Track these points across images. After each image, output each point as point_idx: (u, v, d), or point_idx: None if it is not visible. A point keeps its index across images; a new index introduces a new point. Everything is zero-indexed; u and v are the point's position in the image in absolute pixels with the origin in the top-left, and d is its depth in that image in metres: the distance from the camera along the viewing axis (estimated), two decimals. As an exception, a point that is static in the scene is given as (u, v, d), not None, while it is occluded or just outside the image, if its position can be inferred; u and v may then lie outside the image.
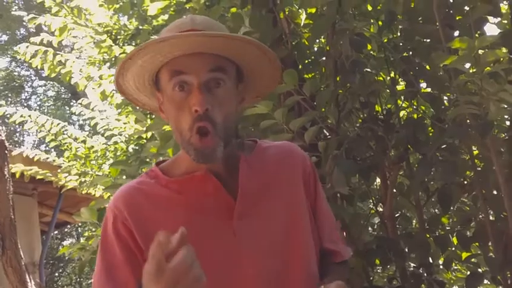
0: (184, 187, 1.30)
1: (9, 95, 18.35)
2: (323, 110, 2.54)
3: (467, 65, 2.08)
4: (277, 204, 1.34)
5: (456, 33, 2.35)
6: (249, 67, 1.33)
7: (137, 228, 1.26)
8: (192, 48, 1.21)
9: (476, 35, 2.17)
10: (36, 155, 5.47)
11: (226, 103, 1.24)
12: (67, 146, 4.87)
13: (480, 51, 1.97)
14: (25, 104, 18.42)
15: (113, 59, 4.03)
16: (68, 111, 16.69)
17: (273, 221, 1.32)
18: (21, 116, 5.07)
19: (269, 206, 1.33)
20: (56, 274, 15.63)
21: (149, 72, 1.29)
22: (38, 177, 5.70)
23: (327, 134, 2.59)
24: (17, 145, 15.30)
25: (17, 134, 18.47)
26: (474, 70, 2.05)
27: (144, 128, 2.96)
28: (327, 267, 1.42)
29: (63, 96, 19.05)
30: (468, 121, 2.27)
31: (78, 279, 15.42)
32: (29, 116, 5.15)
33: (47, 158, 5.72)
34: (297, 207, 1.37)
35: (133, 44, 3.92)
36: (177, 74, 1.22)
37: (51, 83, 18.81)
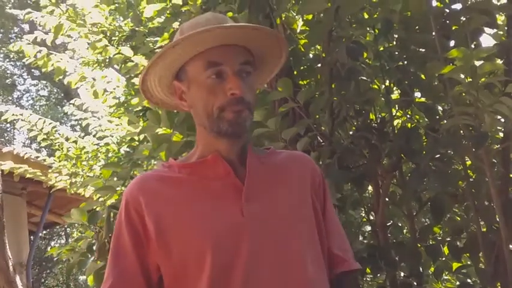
0: (196, 170, 1.39)
1: (1, 93, 18.25)
2: (317, 117, 2.53)
3: (463, 76, 2.08)
4: (285, 196, 1.40)
5: (452, 43, 2.35)
6: (262, 57, 1.44)
7: (148, 208, 1.34)
8: (227, 39, 1.33)
9: (472, 46, 2.17)
10: (26, 153, 5.44)
11: (253, 89, 1.39)
12: (58, 145, 4.85)
13: (476, 62, 1.98)
14: (17, 103, 18.31)
15: (107, 59, 4.01)
16: (60, 112, 16.64)
17: (279, 206, 1.37)
18: (13, 114, 5.04)
19: (277, 196, 1.39)
20: (43, 275, 15.52)
21: (181, 62, 1.39)
22: (28, 176, 5.67)
23: (321, 141, 2.58)
24: (7, 144, 15.20)
25: (8, 133, 18.38)
26: (470, 81, 2.06)
27: (137, 130, 2.94)
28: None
29: (55, 96, 18.98)
30: (462, 132, 2.27)
31: (66, 280, 15.32)
32: (21, 114, 5.12)
33: (38, 157, 5.69)
34: (304, 203, 1.42)
35: (128, 45, 3.90)
36: (213, 65, 1.33)
37: (44, 82, 18.74)
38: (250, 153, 1.41)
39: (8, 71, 19.18)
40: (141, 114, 3.71)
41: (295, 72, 2.68)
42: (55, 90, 18.74)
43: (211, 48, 1.34)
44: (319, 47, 2.84)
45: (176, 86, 1.43)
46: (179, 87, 1.42)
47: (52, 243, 15.60)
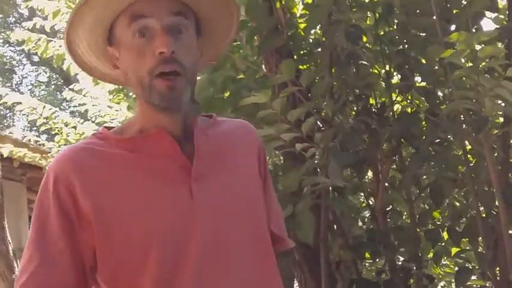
0: (138, 146, 1.20)
1: (1, 78, 18.22)
2: (318, 101, 2.52)
3: (463, 60, 2.07)
4: (233, 173, 1.27)
5: (453, 27, 2.34)
6: (208, 19, 1.26)
7: (84, 192, 1.15)
8: None
9: (473, 30, 2.16)
10: (25, 137, 5.43)
11: (191, 49, 1.19)
12: (58, 130, 4.83)
13: (477, 46, 1.97)
14: (16, 89, 18.30)
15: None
16: (59, 98, 16.61)
17: (229, 188, 1.24)
18: (13, 98, 5.03)
19: (225, 174, 1.25)
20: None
21: (104, 23, 1.20)
22: (27, 160, 5.66)
23: (321, 125, 2.57)
24: (6, 130, 15.20)
25: (7, 119, 18.37)
26: (470, 65, 2.05)
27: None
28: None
29: (54, 82, 18.95)
30: (462, 116, 2.27)
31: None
32: (20, 102, 5.11)
33: (37, 142, 5.68)
34: (252, 179, 1.31)
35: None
36: (137, 19, 1.14)
37: (43, 68, 18.70)
38: (197, 128, 1.24)
39: (7, 56, 19.14)
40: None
41: (295, 57, 2.67)
42: (54, 76, 18.71)
43: (135, 2, 1.14)
44: (319, 32, 2.82)
45: (110, 53, 1.23)
46: (112, 53, 1.22)
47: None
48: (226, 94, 2.70)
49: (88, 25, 1.19)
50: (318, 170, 2.37)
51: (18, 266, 3.96)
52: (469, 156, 2.43)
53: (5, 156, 5.28)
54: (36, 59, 18.30)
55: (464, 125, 2.28)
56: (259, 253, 1.26)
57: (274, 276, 1.29)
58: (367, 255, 2.50)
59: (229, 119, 1.41)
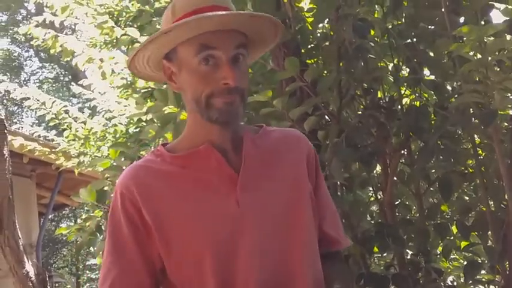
0: (188, 162, 1.34)
1: (9, 75, 18.28)
2: (325, 95, 2.52)
3: (472, 53, 2.06)
4: (280, 182, 1.36)
5: (462, 19, 2.32)
6: (256, 39, 1.37)
7: (145, 205, 1.29)
8: (223, 25, 1.26)
9: (482, 22, 2.15)
10: (35, 132, 5.45)
11: (246, 73, 1.33)
12: (67, 125, 4.85)
13: (486, 39, 1.96)
14: (24, 86, 18.34)
15: (114, 40, 3.99)
16: (67, 94, 16.66)
17: (276, 196, 1.34)
18: (22, 93, 5.04)
19: (272, 182, 1.35)
20: (53, 256, 15.67)
21: (171, 46, 1.32)
22: (36, 154, 5.69)
23: (328, 120, 2.57)
24: (15, 127, 15.25)
25: (16, 115, 18.44)
26: (479, 58, 2.04)
27: (144, 110, 2.94)
28: (330, 265, 1.45)
29: (62, 78, 19.00)
30: (471, 109, 2.25)
31: (75, 262, 15.47)
32: (29, 97, 5.12)
33: (46, 137, 5.70)
34: (300, 187, 1.38)
35: (135, 26, 3.88)
36: (205, 49, 1.26)
37: (51, 64, 18.75)
38: (246, 140, 1.36)
39: (15, 53, 19.19)
40: (148, 95, 3.70)
41: (302, 51, 2.66)
42: (62, 73, 18.76)
43: (204, 32, 1.27)
44: (327, 25, 2.81)
45: (165, 66, 1.36)
46: (168, 67, 1.35)
47: (61, 225, 15.70)
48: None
49: (158, 46, 1.31)
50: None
51: (28, 261, 3.98)
52: (478, 149, 2.42)
53: (15, 149, 5.30)
54: (44, 55, 18.35)
55: (473, 119, 2.27)
56: (307, 258, 1.35)
57: (320, 280, 1.37)
58: (375, 249, 2.50)
59: (280, 128, 1.52)
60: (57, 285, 12.69)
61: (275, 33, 1.39)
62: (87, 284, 15.77)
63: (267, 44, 1.42)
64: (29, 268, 3.98)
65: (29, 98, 5.14)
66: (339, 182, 2.45)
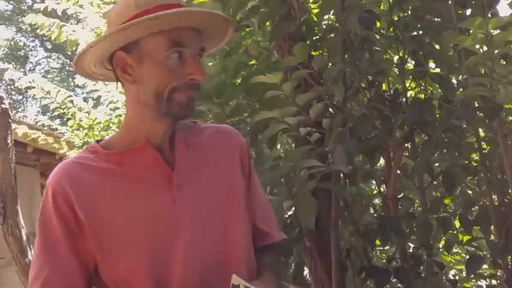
0: (124, 159, 1.33)
1: (14, 65, 18.30)
2: (329, 87, 2.50)
3: (478, 46, 2.05)
4: (215, 178, 1.39)
5: (468, 12, 2.31)
6: (210, 33, 1.39)
7: (78, 202, 1.28)
8: (191, 22, 1.30)
9: (489, 15, 2.13)
10: (39, 121, 5.45)
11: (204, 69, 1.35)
12: (72, 115, 4.86)
13: (492, 32, 1.94)
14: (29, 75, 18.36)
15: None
16: (72, 84, 16.66)
17: (211, 192, 1.37)
18: (28, 81, 5.05)
19: (207, 178, 1.38)
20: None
21: (134, 37, 1.29)
22: (40, 142, 5.69)
23: (332, 111, 2.56)
24: (19, 116, 15.28)
25: (20, 104, 18.47)
26: (485, 51, 2.02)
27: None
28: (261, 257, 1.47)
29: (67, 68, 19.01)
30: (476, 103, 2.24)
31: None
32: (34, 81, 5.12)
33: (50, 126, 5.72)
34: (234, 182, 1.42)
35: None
36: (177, 45, 1.28)
37: (56, 54, 18.76)
38: (178, 137, 1.38)
39: (21, 43, 19.20)
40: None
41: (307, 42, 2.65)
42: (68, 63, 18.77)
43: (176, 28, 1.28)
44: (332, 17, 2.80)
45: (120, 57, 1.31)
46: (124, 58, 1.31)
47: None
48: (238, 80, 2.69)
49: (119, 36, 1.28)
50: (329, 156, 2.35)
51: (31, 250, 3.99)
52: (482, 143, 2.41)
53: (19, 138, 5.31)
54: (49, 45, 18.36)
55: (478, 112, 2.26)
56: (242, 253, 1.39)
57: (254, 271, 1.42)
58: (377, 242, 2.49)
59: (213, 125, 1.56)
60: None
61: (225, 35, 1.42)
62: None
63: (215, 43, 1.45)
64: (32, 257, 3.99)
65: (34, 87, 5.15)
66: (342, 174, 2.43)
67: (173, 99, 1.28)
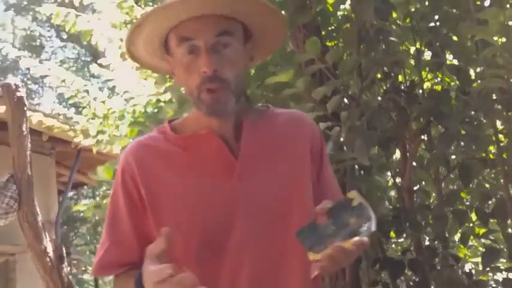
0: (189, 144, 1.34)
1: (30, 54, 18.41)
2: (345, 79, 2.49)
3: (496, 37, 2.02)
4: (280, 168, 1.34)
5: (487, 2, 2.28)
6: (256, 25, 1.33)
7: (143, 181, 1.32)
8: (197, 11, 1.22)
9: (507, 6, 2.11)
10: (54, 110, 5.48)
11: (235, 63, 1.27)
12: (87, 104, 4.87)
13: (510, 23, 1.92)
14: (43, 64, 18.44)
15: (134, 20, 3.99)
16: (88, 74, 16.73)
17: (273, 183, 1.33)
18: (43, 71, 5.08)
19: (271, 169, 1.34)
20: (71, 234, 15.88)
21: (158, 38, 1.31)
22: (55, 131, 5.72)
23: (348, 103, 2.54)
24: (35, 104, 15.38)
25: (36, 93, 18.60)
26: (503, 42, 2.00)
27: (162, 90, 2.94)
28: None
29: (83, 58, 19.09)
30: (494, 95, 2.22)
31: (94, 240, 15.66)
32: (49, 69, 5.15)
33: (65, 115, 5.75)
34: (300, 173, 1.37)
35: (155, 5, 3.87)
36: (185, 40, 1.25)
37: (72, 44, 18.84)
38: (246, 125, 1.34)
39: (36, 33, 19.30)
40: (168, 75, 3.69)
41: (323, 33, 2.63)
42: (83, 53, 18.84)
43: (183, 22, 1.24)
44: (348, 7, 2.78)
45: (168, 60, 1.35)
46: (170, 61, 1.34)
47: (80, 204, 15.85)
48: (252, 70, 2.68)
49: (144, 40, 1.31)
50: (345, 148, 2.34)
51: (46, 237, 4.03)
52: (499, 135, 2.39)
53: (34, 126, 5.35)
54: (64, 35, 18.43)
55: (495, 104, 2.24)
56: (299, 252, 1.28)
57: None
58: (392, 234, 2.48)
59: (286, 111, 1.49)
60: (75, 262, 12.86)
61: (274, 16, 1.33)
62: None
63: (271, 30, 1.36)
64: (47, 244, 4.03)
65: (49, 76, 5.18)
66: (356, 166, 2.42)
67: (202, 100, 1.26)
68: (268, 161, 1.34)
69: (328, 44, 2.66)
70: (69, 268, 4.77)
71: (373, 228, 1.11)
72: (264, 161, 1.34)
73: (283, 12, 2.62)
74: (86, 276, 15.30)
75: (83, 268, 14.56)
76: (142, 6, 4.04)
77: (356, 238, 1.10)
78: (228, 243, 1.28)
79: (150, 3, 4.14)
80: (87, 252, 16.11)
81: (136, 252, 1.32)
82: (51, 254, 4.06)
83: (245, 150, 1.32)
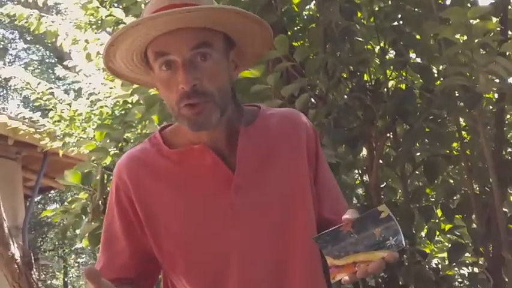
0: (184, 159, 1.30)
1: (-7, 57, 18.06)
2: (312, 78, 2.51)
3: (458, 36, 2.06)
4: (278, 176, 1.31)
5: (448, 1, 2.32)
6: (238, 33, 1.27)
7: (139, 201, 1.29)
8: (169, 26, 1.17)
9: (468, 5, 2.15)
10: (20, 113, 5.40)
11: (216, 74, 1.21)
12: (53, 106, 4.82)
13: (471, 22, 1.96)
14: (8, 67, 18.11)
15: (99, 21, 3.95)
16: (53, 76, 16.49)
17: (272, 193, 1.30)
18: (8, 72, 5.01)
19: (269, 178, 1.30)
20: (39, 239, 15.63)
21: (136, 54, 1.27)
22: (21, 134, 5.65)
23: (315, 102, 2.56)
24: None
25: (0, 97, 18.26)
26: (465, 40, 2.04)
27: (129, 92, 2.91)
28: None
29: (47, 60, 18.80)
30: (456, 92, 2.26)
31: (61, 245, 15.44)
32: (14, 72, 5.08)
33: (31, 118, 5.67)
34: (299, 178, 1.33)
35: (120, 7, 3.83)
36: (160, 55, 1.20)
37: (36, 46, 18.54)
38: (241, 133, 1.29)
39: (0, 35, 18.95)
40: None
41: (288, 33, 2.64)
42: (47, 55, 18.56)
43: (158, 36, 1.19)
44: (313, 7, 2.80)
45: (151, 75, 1.29)
46: (152, 76, 1.28)
47: (48, 208, 15.62)
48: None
49: (123, 56, 1.27)
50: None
51: (13, 243, 3.97)
52: (463, 132, 2.43)
53: (-1, 130, 5.27)
54: (29, 37, 18.14)
55: (458, 102, 2.28)
56: (304, 263, 1.29)
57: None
58: (360, 231, 2.50)
59: (278, 111, 1.42)
60: (43, 267, 12.68)
61: (258, 26, 1.27)
62: (75, 267, 15.78)
63: (255, 38, 1.30)
64: (15, 250, 3.97)
65: (13, 78, 5.10)
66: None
67: (183, 116, 1.21)
68: (265, 168, 1.30)
69: (295, 44, 2.68)
70: (37, 274, 4.70)
71: (403, 243, 1.09)
72: (262, 169, 1.30)
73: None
74: (54, 282, 15.10)
75: (52, 273, 14.36)
76: (107, 7, 3.99)
77: (390, 253, 1.08)
78: (230, 260, 1.25)
79: (115, 5, 4.09)
80: (56, 258, 15.89)
81: (132, 268, 1.32)
82: (19, 260, 4.00)
83: (241, 161, 1.27)
